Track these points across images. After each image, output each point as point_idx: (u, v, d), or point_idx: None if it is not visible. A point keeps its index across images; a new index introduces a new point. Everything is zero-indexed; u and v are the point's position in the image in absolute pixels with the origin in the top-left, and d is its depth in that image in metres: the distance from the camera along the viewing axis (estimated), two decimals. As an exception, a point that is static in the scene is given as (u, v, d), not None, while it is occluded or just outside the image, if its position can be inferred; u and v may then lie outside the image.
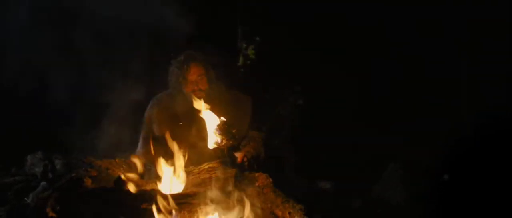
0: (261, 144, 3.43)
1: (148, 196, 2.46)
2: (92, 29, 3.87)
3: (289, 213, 2.55)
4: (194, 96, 3.16)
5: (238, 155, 3.19)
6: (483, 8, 4.90)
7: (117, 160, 3.17)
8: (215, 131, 2.86)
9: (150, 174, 3.17)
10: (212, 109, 2.92)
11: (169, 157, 3.14)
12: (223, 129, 2.84)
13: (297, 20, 5.38)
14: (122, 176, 2.55)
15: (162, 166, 2.70)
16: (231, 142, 2.87)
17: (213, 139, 2.87)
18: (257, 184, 2.80)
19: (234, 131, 2.87)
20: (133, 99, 3.65)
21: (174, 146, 2.76)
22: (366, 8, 5.24)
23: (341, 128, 5.13)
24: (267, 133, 4.30)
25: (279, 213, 2.60)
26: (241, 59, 5.41)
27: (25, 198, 2.91)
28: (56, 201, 2.24)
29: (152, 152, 3.03)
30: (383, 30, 5.23)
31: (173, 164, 2.72)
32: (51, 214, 2.23)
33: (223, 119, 2.87)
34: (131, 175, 2.59)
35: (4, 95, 4.36)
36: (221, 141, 2.86)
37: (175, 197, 2.50)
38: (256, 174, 2.87)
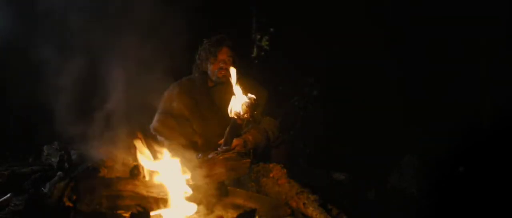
0: (264, 133, 3.48)
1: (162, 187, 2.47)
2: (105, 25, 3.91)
3: (304, 204, 2.54)
4: (218, 76, 3.50)
5: (235, 141, 3.25)
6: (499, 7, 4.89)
7: (132, 151, 3.18)
8: (244, 103, 2.94)
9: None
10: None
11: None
12: (251, 104, 2.94)
13: (312, 11, 5.36)
14: (138, 166, 2.56)
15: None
16: (250, 118, 2.98)
17: (236, 109, 2.97)
18: (271, 175, 2.81)
19: (255, 112, 3.01)
20: (148, 92, 3.70)
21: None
22: (386, 3, 5.23)
23: (356, 119, 5.11)
24: (281, 124, 4.29)
25: (294, 204, 2.60)
26: (255, 50, 5.40)
27: (42, 188, 2.96)
28: (72, 191, 2.25)
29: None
30: (402, 24, 5.20)
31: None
32: (67, 203, 2.24)
33: (253, 96, 2.97)
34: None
35: (20, 87, 4.41)
36: (243, 114, 2.95)
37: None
38: (271, 165, 2.87)
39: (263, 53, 5.37)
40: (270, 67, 5.34)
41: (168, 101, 3.63)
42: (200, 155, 3.31)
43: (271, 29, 5.39)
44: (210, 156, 3.25)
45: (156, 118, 3.63)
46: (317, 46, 5.27)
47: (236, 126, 3.11)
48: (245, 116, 2.97)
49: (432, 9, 5.17)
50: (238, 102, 2.96)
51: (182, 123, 3.49)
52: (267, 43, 5.35)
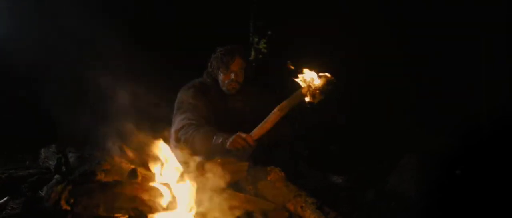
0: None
1: (161, 190, 2.47)
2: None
3: (301, 207, 2.53)
4: (228, 88, 3.45)
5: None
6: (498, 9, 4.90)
7: (130, 153, 3.18)
8: (324, 77, 2.79)
9: None
10: None
11: None
12: (330, 81, 2.80)
13: (309, 12, 5.36)
14: (136, 169, 2.56)
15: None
16: (322, 95, 2.79)
17: (309, 77, 2.81)
18: (269, 178, 2.80)
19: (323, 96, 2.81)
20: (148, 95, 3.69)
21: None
22: (386, 3, 5.23)
23: (354, 120, 5.11)
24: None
25: (291, 207, 2.59)
26: (253, 53, 5.39)
27: (39, 191, 2.96)
28: (70, 194, 2.25)
29: None
30: (402, 24, 5.20)
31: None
32: (65, 206, 2.24)
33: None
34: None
35: (18, 91, 4.41)
36: (315, 88, 2.78)
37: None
38: (269, 168, 2.87)
39: (260, 56, 5.35)
40: (270, 68, 5.33)
41: (185, 99, 3.47)
42: (221, 138, 3.10)
43: (269, 32, 5.38)
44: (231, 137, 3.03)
45: (178, 120, 3.38)
46: (316, 46, 5.26)
47: (297, 96, 2.82)
48: (317, 90, 2.77)
49: (433, 9, 5.17)
50: (316, 76, 2.77)
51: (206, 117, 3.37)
52: (265, 46, 5.34)
